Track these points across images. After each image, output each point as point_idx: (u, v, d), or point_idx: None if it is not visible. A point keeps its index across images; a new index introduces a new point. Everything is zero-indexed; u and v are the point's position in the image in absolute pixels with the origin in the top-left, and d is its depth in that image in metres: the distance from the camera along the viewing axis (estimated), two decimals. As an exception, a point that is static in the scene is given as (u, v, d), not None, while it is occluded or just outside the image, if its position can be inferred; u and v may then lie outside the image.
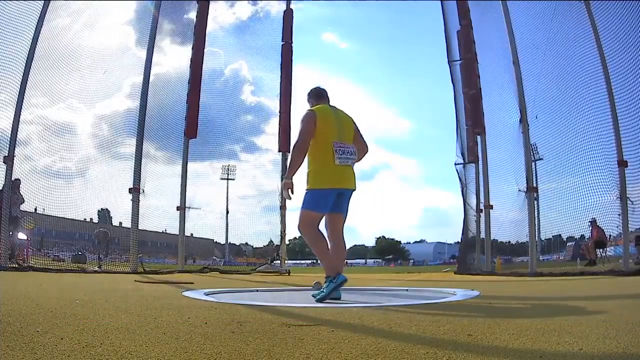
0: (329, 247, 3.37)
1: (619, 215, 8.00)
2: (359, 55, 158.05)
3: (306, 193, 3.44)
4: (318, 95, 3.74)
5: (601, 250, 10.04)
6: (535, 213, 8.80)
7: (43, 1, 8.10)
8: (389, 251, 79.13)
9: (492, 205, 10.24)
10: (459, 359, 1.22)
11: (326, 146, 3.38)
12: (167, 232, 12.34)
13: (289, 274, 10.04)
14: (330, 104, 3.69)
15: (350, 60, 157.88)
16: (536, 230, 9.09)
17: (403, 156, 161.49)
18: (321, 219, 3.43)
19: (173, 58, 11.39)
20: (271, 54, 11.47)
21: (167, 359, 1.22)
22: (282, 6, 11.57)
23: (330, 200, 3.39)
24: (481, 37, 10.77)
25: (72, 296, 3.10)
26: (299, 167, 3.39)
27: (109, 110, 10.49)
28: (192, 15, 11.04)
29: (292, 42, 11.29)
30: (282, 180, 3.32)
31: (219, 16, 12.22)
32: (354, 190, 3.52)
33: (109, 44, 10.06)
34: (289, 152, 10.62)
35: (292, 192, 3.33)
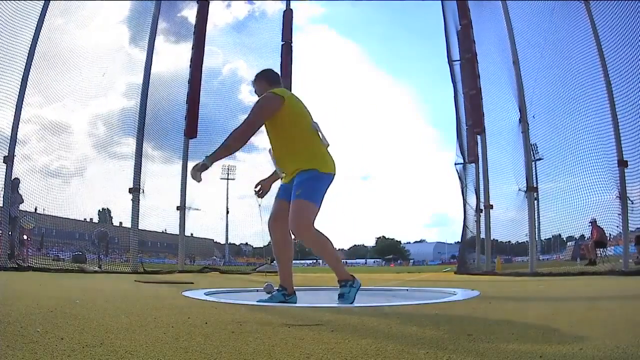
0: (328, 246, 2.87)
1: (618, 215, 8.00)
2: (358, 54, 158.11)
3: (306, 176, 2.65)
4: (272, 80, 2.96)
5: (601, 250, 10.05)
6: (535, 213, 8.81)
7: (43, 1, 8.09)
8: (389, 251, 79.12)
9: (492, 205, 10.25)
10: (459, 359, 1.22)
11: (309, 127, 2.82)
12: (167, 232, 12.35)
13: (289, 274, 10.01)
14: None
15: (349, 59, 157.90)
16: (536, 230, 9.10)
17: (402, 155, 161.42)
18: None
19: (168, 57, 11.36)
20: (270, 53, 11.44)
21: (167, 359, 1.22)
22: (279, 5, 11.56)
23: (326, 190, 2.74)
24: (481, 36, 10.78)
25: (72, 296, 3.09)
26: (230, 154, 2.74)
27: (105, 109, 10.49)
28: (186, 13, 11.01)
29: (292, 42, 11.28)
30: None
31: (215, 15, 12.17)
32: None
33: (104, 42, 10.04)
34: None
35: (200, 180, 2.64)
